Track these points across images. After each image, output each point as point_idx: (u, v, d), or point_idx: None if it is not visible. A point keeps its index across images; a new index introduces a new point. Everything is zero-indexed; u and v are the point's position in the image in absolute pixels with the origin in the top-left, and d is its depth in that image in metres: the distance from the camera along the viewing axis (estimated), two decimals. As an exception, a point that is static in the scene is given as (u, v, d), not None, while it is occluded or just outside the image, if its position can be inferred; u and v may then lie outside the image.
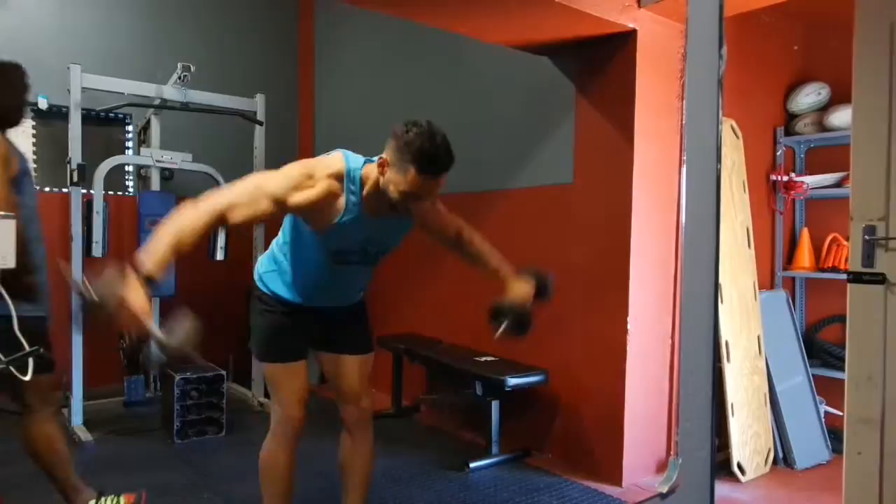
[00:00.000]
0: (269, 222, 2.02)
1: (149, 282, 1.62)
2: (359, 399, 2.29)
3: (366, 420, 2.31)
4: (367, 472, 2.34)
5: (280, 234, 2.18)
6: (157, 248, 1.67)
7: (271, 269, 2.18)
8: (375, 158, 1.95)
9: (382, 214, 1.96)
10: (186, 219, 1.72)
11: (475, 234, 2.29)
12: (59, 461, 2.52)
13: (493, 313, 2.18)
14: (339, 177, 1.91)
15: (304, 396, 2.17)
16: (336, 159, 1.95)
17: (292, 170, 1.88)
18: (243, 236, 4.42)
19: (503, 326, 2.12)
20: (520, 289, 2.19)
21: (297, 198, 1.84)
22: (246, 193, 1.81)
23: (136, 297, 1.58)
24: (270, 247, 2.24)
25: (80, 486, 2.56)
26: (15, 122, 2.45)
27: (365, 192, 1.94)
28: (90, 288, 1.55)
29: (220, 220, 1.77)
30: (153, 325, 1.63)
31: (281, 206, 1.84)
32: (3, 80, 2.49)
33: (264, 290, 2.19)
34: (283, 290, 2.15)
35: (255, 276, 2.24)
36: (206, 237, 1.82)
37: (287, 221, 2.13)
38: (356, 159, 1.97)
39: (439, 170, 1.82)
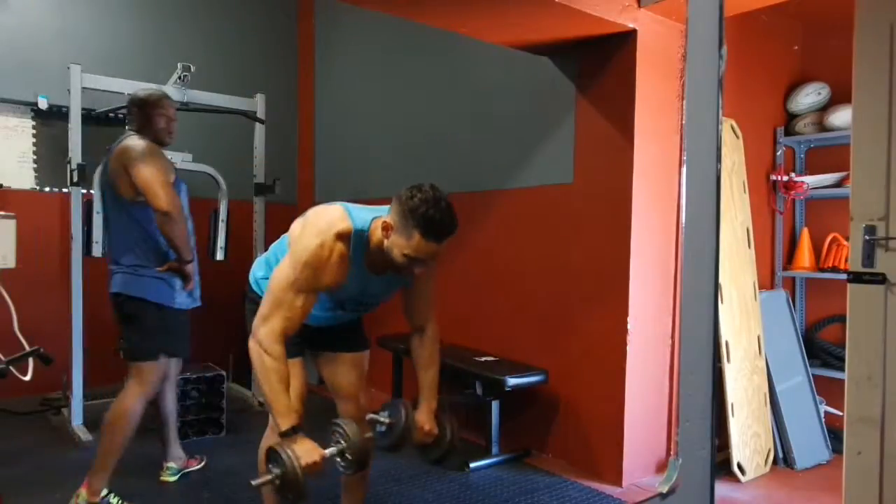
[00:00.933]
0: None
1: (296, 429, 1.82)
2: (356, 397, 2.30)
3: (362, 418, 2.31)
4: (366, 471, 2.34)
5: (278, 246, 2.18)
6: (281, 403, 1.84)
7: (264, 276, 2.18)
8: (377, 210, 1.96)
9: (382, 271, 1.99)
10: (275, 364, 1.85)
11: (433, 337, 2.23)
12: (113, 437, 2.79)
13: (369, 421, 2.10)
14: (346, 237, 1.91)
15: (301, 393, 2.17)
16: (339, 217, 1.93)
17: (307, 247, 1.87)
18: (243, 238, 4.43)
19: (335, 452, 1.89)
20: (425, 421, 2.09)
21: (326, 280, 1.89)
22: (288, 303, 1.86)
23: (308, 451, 1.78)
24: (267, 252, 2.24)
25: (101, 480, 2.76)
26: (166, 142, 2.94)
27: (368, 250, 1.96)
28: (275, 477, 1.75)
29: (285, 338, 1.88)
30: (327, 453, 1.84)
31: (315, 292, 1.91)
32: (157, 108, 2.88)
33: (259, 292, 2.18)
34: None
35: (251, 279, 2.25)
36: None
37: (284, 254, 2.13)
38: (361, 217, 1.95)
39: (444, 236, 1.84)
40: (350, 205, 2.00)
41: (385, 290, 2.13)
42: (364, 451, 1.87)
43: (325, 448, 1.86)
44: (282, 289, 1.87)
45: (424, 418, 2.10)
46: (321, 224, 1.91)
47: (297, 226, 2.03)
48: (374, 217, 1.95)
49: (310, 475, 1.75)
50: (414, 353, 2.25)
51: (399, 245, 1.85)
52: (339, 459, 1.88)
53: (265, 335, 1.85)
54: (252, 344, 1.88)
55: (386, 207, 1.94)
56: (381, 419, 2.06)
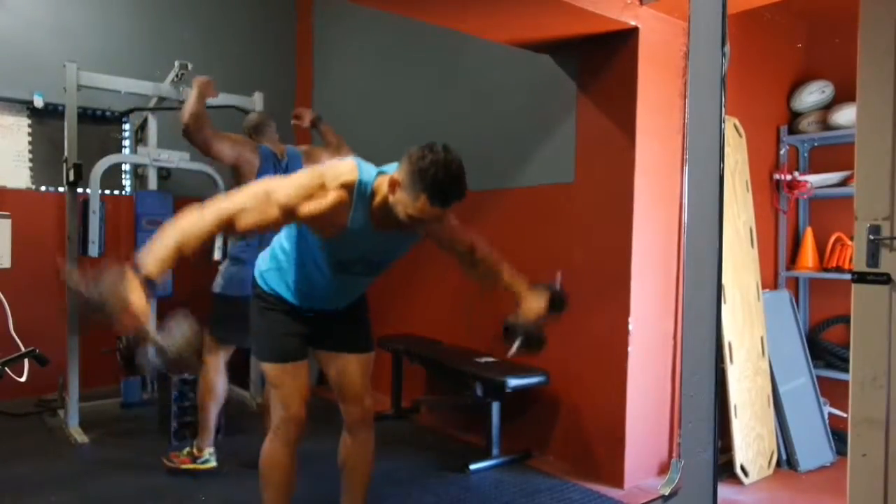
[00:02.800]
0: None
1: (149, 283, 1.59)
2: (361, 398, 2.26)
3: (368, 420, 2.29)
4: (368, 472, 2.32)
5: (283, 232, 2.15)
6: (159, 250, 1.66)
7: (272, 266, 2.16)
8: (387, 168, 1.90)
9: (390, 228, 1.92)
10: (192, 222, 1.71)
11: (488, 249, 2.25)
12: (205, 405, 3.16)
13: (506, 331, 2.14)
14: (349, 188, 1.85)
15: (305, 396, 2.16)
16: (348, 168, 1.88)
17: (303, 177, 1.84)
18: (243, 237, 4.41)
19: (517, 344, 2.10)
20: (534, 304, 2.16)
21: (307, 208, 1.80)
22: (255, 200, 1.77)
23: (136, 297, 1.55)
24: (272, 244, 2.21)
25: (208, 434, 3.15)
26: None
27: (374, 205, 1.90)
28: (89, 287, 1.53)
29: (226, 226, 1.75)
30: (151, 328, 1.60)
31: (290, 215, 1.81)
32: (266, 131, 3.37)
33: (264, 287, 2.17)
34: (283, 290, 2.13)
35: (256, 273, 2.21)
36: (211, 240, 1.79)
37: (291, 246, 2.11)
38: (369, 171, 1.91)
39: (451, 200, 1.80)
40: (363, 161, 1.94)
41: (395, 247, 2.06)
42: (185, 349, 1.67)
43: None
44: (262, 187, 1.79)
45: (533, 298, 2.16)
46: (329, 171, 1.86)
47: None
48: (380, 172, 1.90)
49: (116, 316, 1.53)
50: (483, 272, 2.24)
51: (404, 203, 1.79)
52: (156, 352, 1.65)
53: (213, 205, 1.73)
54: (195, 207, 1.74)
55: (395, 165, 1.88)
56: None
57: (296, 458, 2.19)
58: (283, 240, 2.14)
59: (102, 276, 1.55)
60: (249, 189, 1.82)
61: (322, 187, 1.82)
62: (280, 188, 1.80)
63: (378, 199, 1.88)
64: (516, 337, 2.11)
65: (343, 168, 1.88)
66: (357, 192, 1.86)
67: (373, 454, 2.32)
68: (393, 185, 1.82)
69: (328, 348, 2.26)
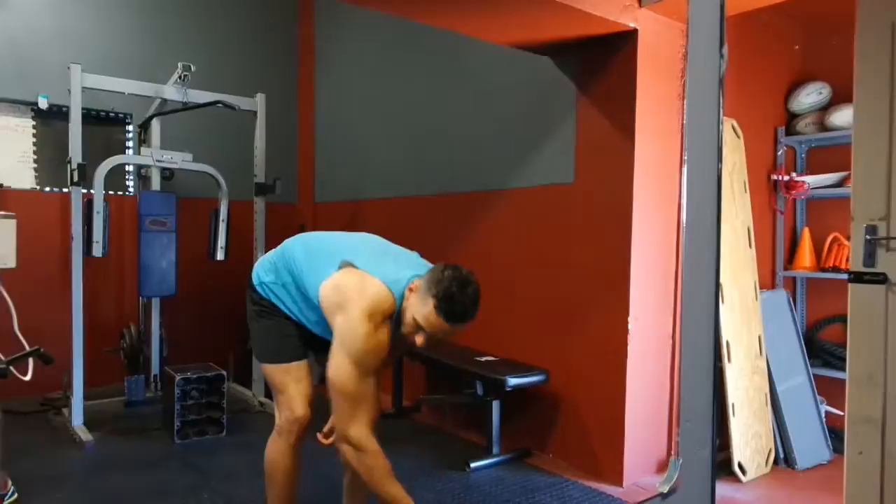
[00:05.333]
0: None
1: None
2: None
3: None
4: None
5: (284, 271, 2.15)
6: (395, 495, 1.90)
7: (272, 280, 2.17)
8: (412, 275, 1.96)
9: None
10: (377, 461, 1.92)
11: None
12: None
13: None
14: (391, 315, 1.94)
15: (309, 396, 2.18)
16: (386, 297, 1.91)
17: (362, 341, 1.86)
18: (243, 237, 4.43)
19: None
20: None
21: (380, 358, 1.94)
22: (363, 397, 1.91)
23: None
24: (272, 255, 2.23)
25: None
26: None
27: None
28: None
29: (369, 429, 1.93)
30: None
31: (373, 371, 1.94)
32: None
33: (263, 295, 2.18)
34: (281, 305, 2.17)
35: (255, 279, 2.22)
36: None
37: (292, 282, 2.13)
38: (400, 289, 1.94)
39: (459, 319, 1.85)
40: (387, 272, 1.96)
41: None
42: None
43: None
44: (353, 384, 1.88)
45: None
46: (370, 305, 1.88)
47: (333, 296, 1.95)
48: (409, 279, 1.95)
49: None
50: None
51: (415, 310, 1.87)
52: None
53: (357, 436, 1.89)
54: (346, 448, 1.91)
55: (415, 255, 2.02)
56: None
57: (300, 458, 2.22)
58: (285, 281, 2.15)
59: None
60: (348, 390, 1.88)
61: (373, 334, 1.88)
62: (358, 365, 1.87)
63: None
64: None
65: (379, 296, 1.90)
66: (395, 317, 1.95)
67: None
68: (410, 289, 1.91)
69: (325, 352, 2.28)
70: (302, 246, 2.18)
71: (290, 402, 2.16)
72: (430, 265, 1.99)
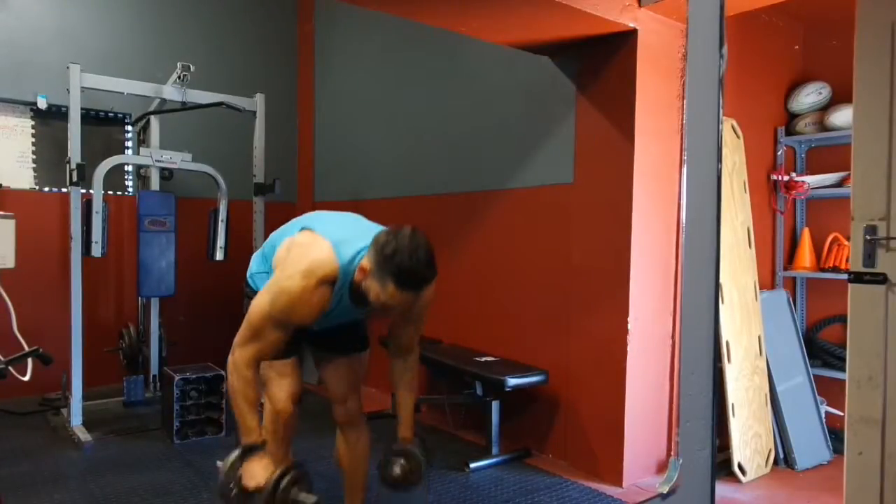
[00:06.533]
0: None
1: (257, 447, 1.87)
2: (344, 399, 2.29)
3: (355, 420, 2.31)
4: (364, 470, 2.35)
5: (272, 256, 2.15)
6: (245, 420, 1.89)
7: (263, 270, 2.18)
8: (365, 246, 1.89)
9: (360, 304, 1.98)
10: (244, 385, 1.89)
11: (414, 363, 2.27)
12: None
13: (384, 461, 2.17)
14: (332, 280, 1.91)
15: (293, 392, 2.17)
16: (326, 259, 1.90)
17: (289, 285, 1.86)
18: (243, 238, 4.43)
19: (394, 475, 2.12)
20: (403, 441, 2.19)
21: (298, 315, 1.90)
22: (262, 334, 1.89)
23: (257, 468, 1.84)
24: (263, 247, 2.25)
25: None
26: None
27: (354, 284, 1.93)
28: (229, 480, 1.84)
29: (259, 362, 1.94)
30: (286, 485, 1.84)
31: (288, 326, 1.91)
32: None
33: (254, 287, 2.19)
34: None
35: (248, 275, 2.25)
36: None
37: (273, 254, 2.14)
38: (347, 256, 1.92)
39: (418, 287, 1.81)
40: (340, 236, 1.95)
41: (369, 315, 2.15)
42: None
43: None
44: (259, 319, 1.89)
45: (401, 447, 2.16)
46: (306, 264, 1.88)
47: (283, 251, 2.02)
48: (360, 251, 1.91)
49: (252, 491, 1.83)
50: (395, 378, 2.25)
51: (374, 290, 1.82)
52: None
53: (240, 359, 1.89)
54: (230, 361, 1.92)
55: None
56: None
57: (289, 455, 2.21)
58: (268, 253, 2.17)
59: (229, 463, 1.86)
60: (252, 319, 1.90)
61: (305, 289, 1.85)
62: (278, 308, 1.87)
63: (356, 281, 1.91)
64: (392, 467, 2.12)
65: (318, 257, 1.90)
66: (340, 279, 1.92)
67: (366, 452, 2.35)
68: (363, 271, 1.85)
69: (321, 350, 2.30)
70: (281, 226, 2.22)
71: (275, 396, 2.17)
72: None
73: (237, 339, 1.92)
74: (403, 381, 2.24)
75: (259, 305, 1.90)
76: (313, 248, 1.93)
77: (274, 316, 1.87)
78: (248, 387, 1.89)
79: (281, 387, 2.16)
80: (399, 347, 2.23)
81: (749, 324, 3.39)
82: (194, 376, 3.66)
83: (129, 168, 4.90)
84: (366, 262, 1.84)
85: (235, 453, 1.87)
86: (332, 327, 2.20)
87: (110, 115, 4.83)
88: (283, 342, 1.94)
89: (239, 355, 1.90)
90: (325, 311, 1.95)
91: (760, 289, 3.53)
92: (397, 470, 2.12)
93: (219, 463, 1.93)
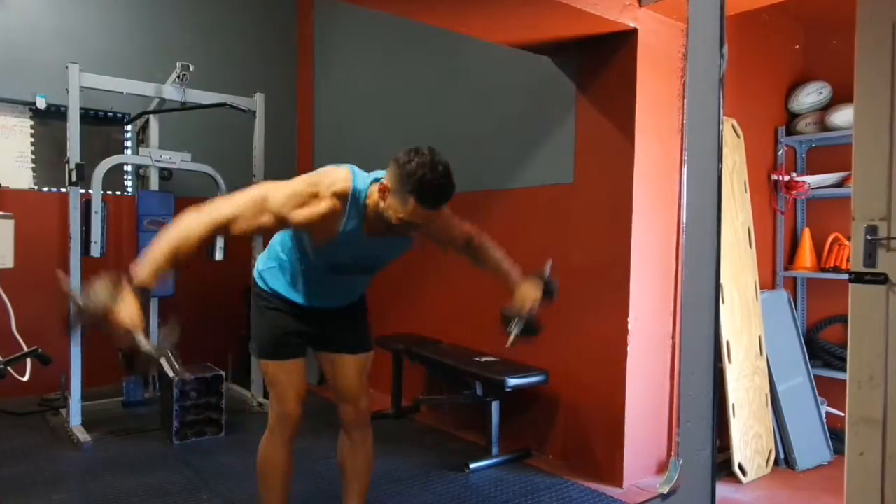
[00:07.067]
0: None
1: (142, 291, 1.65)
2: (357, 399, 2.28)
3: (364, 420, 2.30)
4: (367, 472, 2.33)
5: (278, 246, 2.18)
6: (154, 257, 1.70)
7: (271, 265, 2.18)
8: (382, 174, 1.91)
9: (382, 234, 1.95)
10: (187, 227, 1.74)
11: (485, 240, 2.31)
12: None
13: (503, 319, 2.22)
14: (343, 196, 1.88)
15: (301, 394, 2.18)
16: (343, 177, 1.90)
17: (298, 185, 1.86)
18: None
19: (515, 332, 2.18)
20: (528, 292, 2.22)
21: (299, 215, 1.83)
22: (249, 205, 1.81)
23: (127, 306, 1.60)
24: (271, 243, 2.24)
25: None
26: None
27: (368, 212, 1.92)
28: (83, 295, 1.59)
29: (220, 231, 1.80)
30: (140, 336, 1.62)
31: (282, 222, 1.85)
32: None
33: (264, 287, 2.19)
34: (282, 288, 2.16)
35: (255, 273, 2.24)
36: (207, 244, 1.82)
37: (286, 247, 2.14)
38: (364, 179, 1.93)
39: (440, 202, 1.81)
40: (358, 169, 1.96)
41: (386, 252, 2.09)
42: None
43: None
44: (249, 198, 1.81)
45: (527, 287, 2.24)
46: (324, 179, 1.88)
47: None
48: (374, 179, 1.92)
49: (108, 324, 1.60)
50: (481, 260, 2.32)
51: (395, 208, 1.82)
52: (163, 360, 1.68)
53: (209, 209, 1.77)
54: (192, 210, 1.79)
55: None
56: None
57: (292, 455, 2.22)
58: (281, 239, 2.17)
59: (95, 284, 1.59)
60: (247, 193, 1.84)
61: (315, 196, 1.84)
62: (275, 195, 1.82)
63: (370, 205, 1.90)
64: (514, 324, 2.19)
65: (337, 176, 1.90)
66: (351, 201, 1.89)
67: (372, 455, 2.34)
68: (383, 190, 1.84)
69: (326, 349, 2.28)
70: None
71: (283, 398, 2.16)
72: None
73: (215, 202, 1.81)
74: (491, 257, 2.33)
75: (257, 189, 1.84)
76: (335, 170, 1.93)
77: (268, 203, 1.80)
78: (191, 235, 1.72)
79: (290, 388, 2.15)
80: (467, 247, 2.29)
81: (749, 324, 3.38)
82: (193, 376, 3.66)
83: (129, 168, 4.89)
84: (385, 180, 1.84)
85: (117, 283, 1.62)
86: (336, 308, 2.19)
87: (109, 114, 4.83)
88: (263, 230, 1.85)
89: (214, 207, 1.78)
90: (332, 234, 1.90)
91: (761, 289, 3.53)
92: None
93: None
